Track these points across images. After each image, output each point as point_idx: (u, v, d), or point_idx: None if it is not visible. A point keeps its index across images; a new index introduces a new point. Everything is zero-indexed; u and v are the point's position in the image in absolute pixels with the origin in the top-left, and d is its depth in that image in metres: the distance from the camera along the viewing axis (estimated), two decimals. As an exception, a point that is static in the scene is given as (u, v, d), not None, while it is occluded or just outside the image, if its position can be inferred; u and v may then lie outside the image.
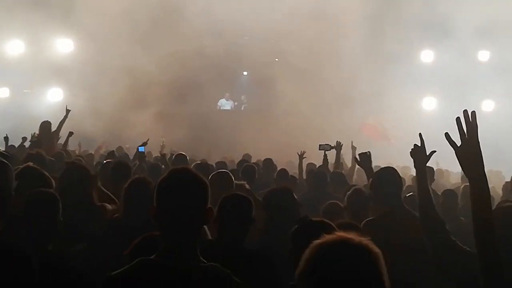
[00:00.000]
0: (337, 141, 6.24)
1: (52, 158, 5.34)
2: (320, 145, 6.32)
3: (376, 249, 1.13)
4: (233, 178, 3.76)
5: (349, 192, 3.68)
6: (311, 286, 1.11)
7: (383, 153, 8.77)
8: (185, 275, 1.49)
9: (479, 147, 1.68)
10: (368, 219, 3.02)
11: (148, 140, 7.50)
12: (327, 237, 1.14)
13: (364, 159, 4.00)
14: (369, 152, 4.13)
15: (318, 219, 2.01)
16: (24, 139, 7.69)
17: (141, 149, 7.38)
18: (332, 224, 2.03)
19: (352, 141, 6.69)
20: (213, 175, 3.67)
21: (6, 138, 7.60)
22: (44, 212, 2.30)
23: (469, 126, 1.70)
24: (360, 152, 4.19)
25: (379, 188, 3.15)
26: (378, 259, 1.12)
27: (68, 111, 7.98)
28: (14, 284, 1.64)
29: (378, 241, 1.26)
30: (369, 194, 3.41)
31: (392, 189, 3.11)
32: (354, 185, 4.41)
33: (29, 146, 6.85)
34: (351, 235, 1.14)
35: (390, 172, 3.27)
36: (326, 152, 6.31)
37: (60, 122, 7.77)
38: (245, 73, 14.05)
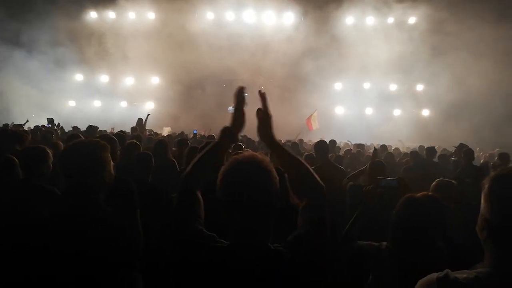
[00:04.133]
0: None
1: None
2: None
3: (268, 167, 1.45)
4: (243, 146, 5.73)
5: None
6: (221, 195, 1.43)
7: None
8: None
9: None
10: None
11: (196, 129, 13.30)
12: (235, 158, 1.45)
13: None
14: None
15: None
16: (50, 120, 10.43)
17: (195, 131, 12.90)
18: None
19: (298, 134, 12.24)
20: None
21: (51, 120, 10.02)
22: (143, 163, 3.92)
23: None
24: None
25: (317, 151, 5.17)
26: (269, 172, 1.43)
27: (148, 114, 11.58)
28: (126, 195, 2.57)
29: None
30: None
31: (324, 152, 5.09)
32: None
33: (132, 130, 9.99)
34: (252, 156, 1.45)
35: (324, 142, 5.35)
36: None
37: (145, 119, 11.22)
38: (246, 94, 22.70)
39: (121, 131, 7.55)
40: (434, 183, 3.51)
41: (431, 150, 7.72)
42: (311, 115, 16.55)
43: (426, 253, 2.02)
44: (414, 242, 2.07)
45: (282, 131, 14.67)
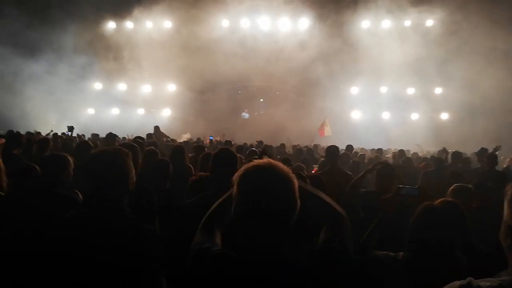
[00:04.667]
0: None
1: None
2: None
3: (287, 173, 1.37)
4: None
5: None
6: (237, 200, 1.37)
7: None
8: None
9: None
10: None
11: (212, 136, 13.32)
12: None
13: None
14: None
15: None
16: (71, 128, 10.61)
17: (211, 137, 13.13)
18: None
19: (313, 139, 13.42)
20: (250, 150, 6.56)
21: (71, 128, 10.25)
22: (160, 171, 4.04)
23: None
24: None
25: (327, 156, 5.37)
26: (287, 179, 1.36)
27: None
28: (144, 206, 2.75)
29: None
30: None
31: (333, 157, 5.23)
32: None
33: (147, 137, 9.93)
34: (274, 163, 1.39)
35: (334, 148, 5.41)
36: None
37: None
38: (261, 99, 22.21)
39: (138, 137, 7.47)
40: (451, 188, 3.46)
41: (456, 155, 7.76)
42: (322, 123, 16.50)
43: (443, 262, 1.98)
44: (432, 251, 2.03)
45: (297, 136, 14.77)
